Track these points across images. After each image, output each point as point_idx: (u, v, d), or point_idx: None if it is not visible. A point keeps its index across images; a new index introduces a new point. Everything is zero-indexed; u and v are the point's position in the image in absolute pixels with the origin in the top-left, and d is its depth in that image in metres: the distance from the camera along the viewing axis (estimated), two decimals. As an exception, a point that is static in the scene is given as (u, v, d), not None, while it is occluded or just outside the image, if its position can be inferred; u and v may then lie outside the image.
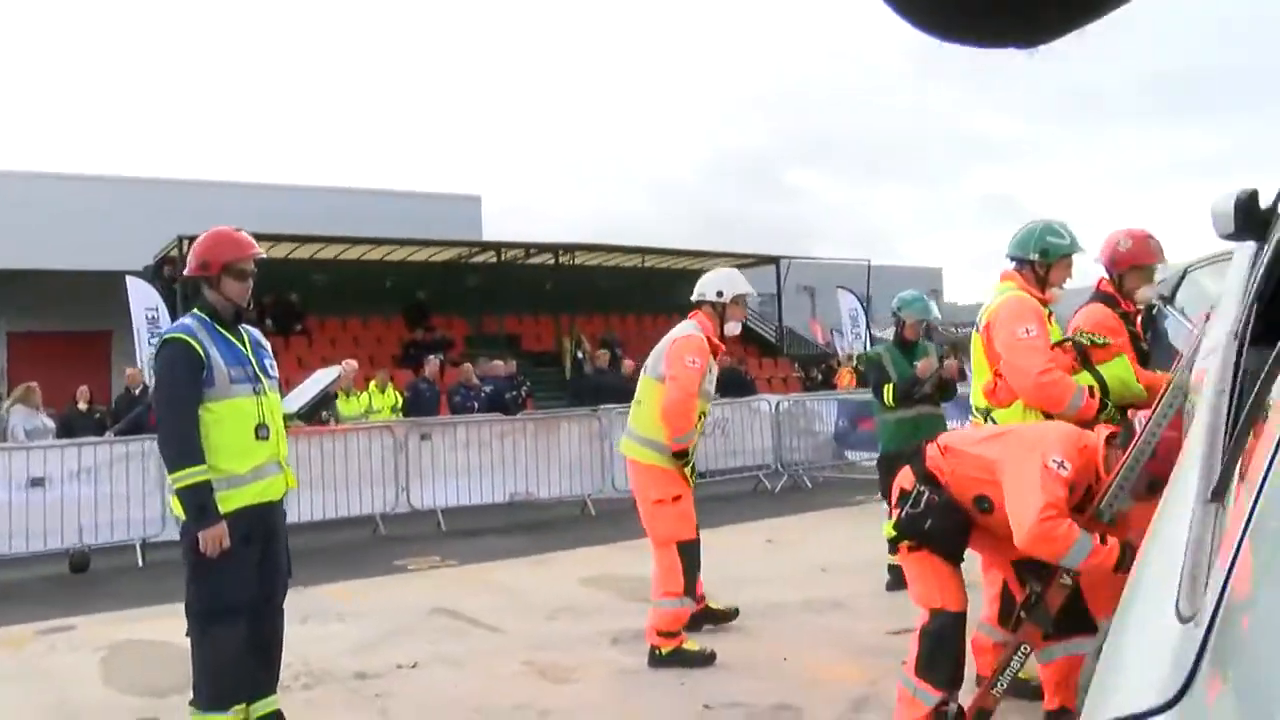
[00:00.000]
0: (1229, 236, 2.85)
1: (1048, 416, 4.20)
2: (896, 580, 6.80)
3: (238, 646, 4.06)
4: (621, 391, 14.78)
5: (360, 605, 7.04)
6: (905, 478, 3.85)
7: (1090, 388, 4.26)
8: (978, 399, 4.70)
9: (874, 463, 13.47)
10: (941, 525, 3.68)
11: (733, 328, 5.85)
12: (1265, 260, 2.14)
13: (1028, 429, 3.94)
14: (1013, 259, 4.70)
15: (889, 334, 25.98)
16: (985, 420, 4.58)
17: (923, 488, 3.73)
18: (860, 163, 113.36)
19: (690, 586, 5.45)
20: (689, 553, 5.44)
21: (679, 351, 5.53)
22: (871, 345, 23.79)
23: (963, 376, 8.10)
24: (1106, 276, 4.75)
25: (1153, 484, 3.52)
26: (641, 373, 5.94)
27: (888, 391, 6.94)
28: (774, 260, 25.49)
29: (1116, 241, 4.68)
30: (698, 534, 5.56)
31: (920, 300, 7.28)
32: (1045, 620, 3.58)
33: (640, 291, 25.59)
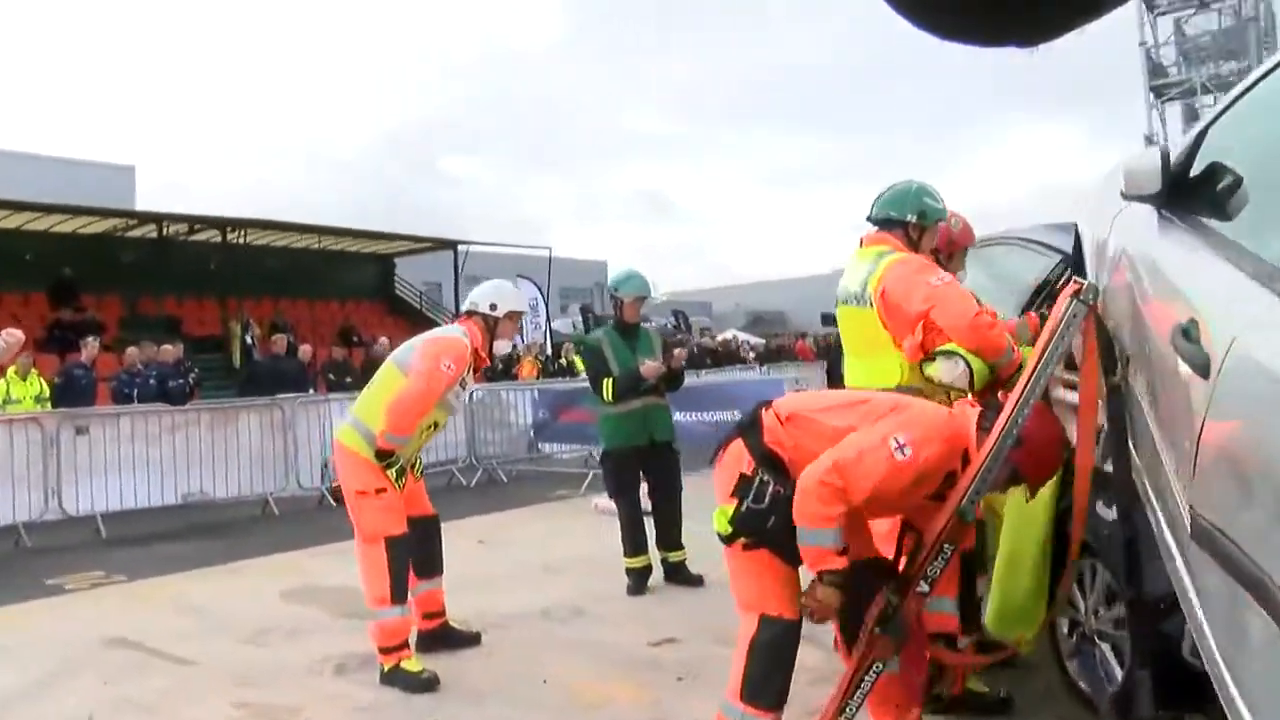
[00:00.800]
0: (1148, 198, 2.47)
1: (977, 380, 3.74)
2: (638, 584, 6.30)
3: None
4: (301, 380, 13.52)
5: (6, 640, 5.57)
6: (740, 458, 3.22)
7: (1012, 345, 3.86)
8: (855, 378, 4.14)
9: (571, 455, 13.19)
10: (788, 523, 3.08)
11: (502, 345, 5.27)
12: None
13: (890, 397, 3.35)
14: (882, 220, 4.18)
15: (559, 325, 25.90)
16: None
17: (765, 476, 3.13)
18: (519, 153, 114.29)
19: (400, 591, 4.74)
20: (397, 550, 4.75)
21: (438, 350, 4.89)
22: (551, 336, 23.56)
23: (690, 364, 7.76)
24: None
25: (1015, 475, 3.16)
26: (388, 360, 5.16)
27: (607, 387, 6.29)
28: (451, 245, 24.73)
29: (950, 220, 4.35)
30: (408, 530, 4.85)
31: (638, 276, 6.58)
32: (901, 633, 3.10)
33: (313, 273, 23.96)
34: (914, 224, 4.12)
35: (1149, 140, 26.90)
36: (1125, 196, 2.52)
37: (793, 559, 3.19)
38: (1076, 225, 3.58)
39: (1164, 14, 27.13)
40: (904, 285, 3.87)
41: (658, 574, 6.37)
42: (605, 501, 9.64)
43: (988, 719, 3.82)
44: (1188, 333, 1.92)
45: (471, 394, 12.88)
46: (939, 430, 3.11)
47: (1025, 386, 3.08)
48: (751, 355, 25.73)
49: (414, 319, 26.19)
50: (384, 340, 16.68)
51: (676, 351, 6.89)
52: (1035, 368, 3.11)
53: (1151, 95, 27.38)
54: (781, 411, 3.29)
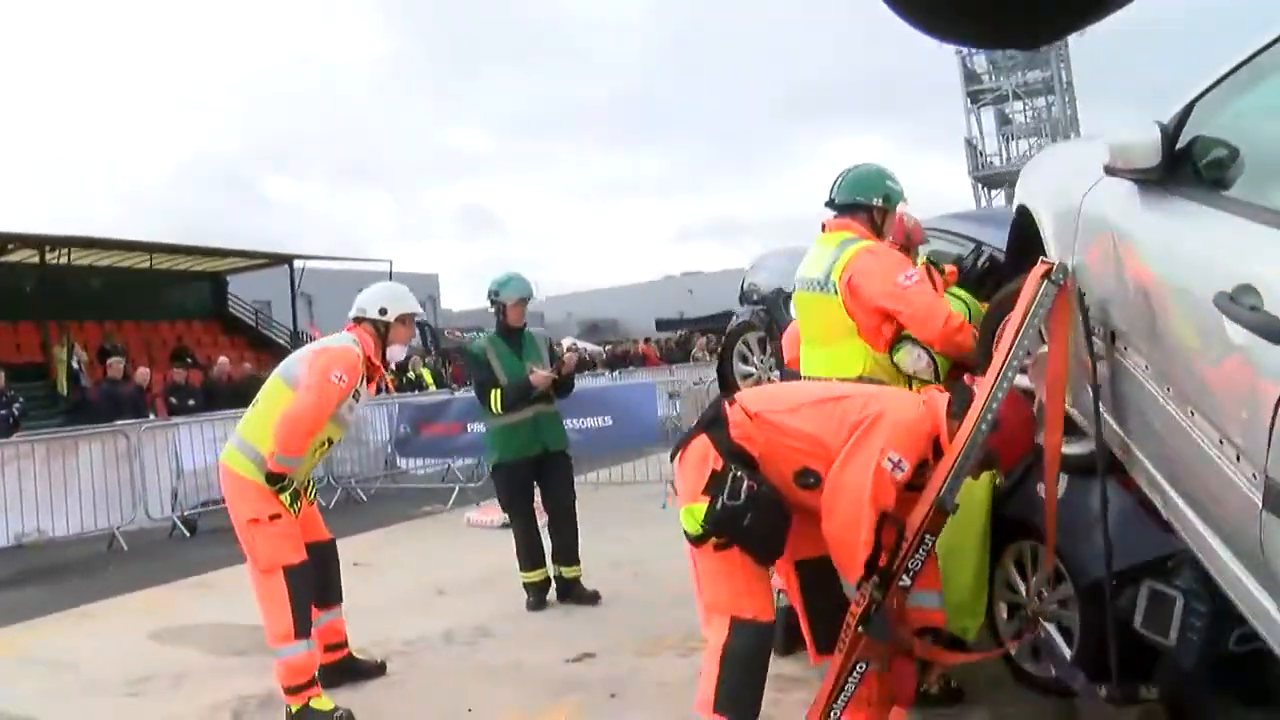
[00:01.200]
0: (1143, 172, 2.38)
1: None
2: (538, 599, 5.97)
3: None
4: (139, 405, 12.51)
5: None
6: (707, 455, 3.01)
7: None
8: (813, 367, 3.99)
9: (429, 471, 12.63)
10: (764, 521, 2.90)
11: (396, 351, 4.85)
12: None
13: (860, 399, 3.12)
14: (845, 205, 4.04)
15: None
16: None
17: (738, 471, 2.92)
18: (340, 172, 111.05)
19: (304, 624, 4.31)
20: (298, 580, 4.31)
21: (327, 363, 4.45)
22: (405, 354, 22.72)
23: (581, 368, 7.41)
24: None
25: (988, 458, 3.06)
26: (273, 374, 4.69)
27: (495, 397, 5.90)
28: (287, 260, 23.68)
29: (902, 218, 4.24)
30: (307, 557, 4.42)
31: (518, 278, 6.20)
32: (884, 630, 2.92)
33: (142, 294, 22.47)
34: (879, 207, 4.03)
35: (969, 143, 28.59)
36: (1111, 171, 2.44)
37: (770, 558, 3.01)
38: (1020, 206, 3.48)
39: (973, 24, 28.93)
40: (873, 280, 3.78)
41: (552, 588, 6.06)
42: (479, 515, 9.28)
43: (940, 710, 3.72)
44: (1236, 299, 1.82)
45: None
46: (920, 427, 3.02)
47: (1000, 370, 2.97)
48: (593, 363, 25.56)
49: (250, 337, 24.93)
50: (223, 360, 15.70)
51: (567, 356, 6.59)
52: (1009, 350, 2.99)
53: (969, 100, 29.10)
54: (749, 407, 3.11)
